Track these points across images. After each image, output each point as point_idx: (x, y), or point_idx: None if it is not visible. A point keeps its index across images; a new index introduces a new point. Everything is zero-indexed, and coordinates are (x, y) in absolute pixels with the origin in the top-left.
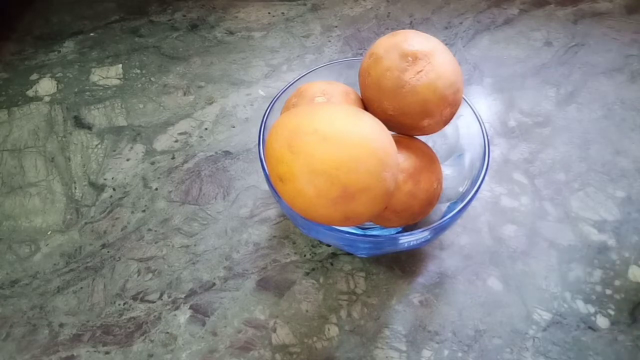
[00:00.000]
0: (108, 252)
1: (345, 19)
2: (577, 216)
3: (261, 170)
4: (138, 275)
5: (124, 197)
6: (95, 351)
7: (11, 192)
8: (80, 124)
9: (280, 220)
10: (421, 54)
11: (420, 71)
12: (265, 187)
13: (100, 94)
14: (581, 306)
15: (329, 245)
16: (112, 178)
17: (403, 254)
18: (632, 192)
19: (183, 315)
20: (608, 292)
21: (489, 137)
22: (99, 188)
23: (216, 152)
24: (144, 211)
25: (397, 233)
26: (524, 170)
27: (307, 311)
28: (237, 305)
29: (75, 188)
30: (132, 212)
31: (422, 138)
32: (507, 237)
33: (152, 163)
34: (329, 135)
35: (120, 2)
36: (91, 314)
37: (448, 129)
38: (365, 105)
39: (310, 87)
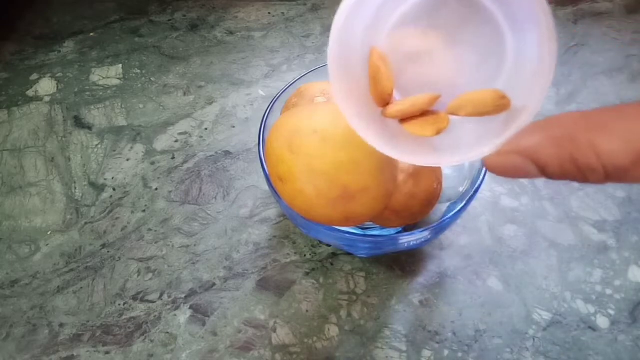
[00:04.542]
0: (108, 252)
1: None
2: (577, 216)
3: (261, 170)
4: (138, 275)
5: (124, 197)
6: (95, 351)
7: (11, 192)
8: (80, 124)
9: (280, 220)
10: None
11: None
12: (265, 187)
13: (100, 94)
14: (581, 306)
15: (329, 245)
16: (112, 178)
17: (403, 254)
18: (632, 192)
19: (183, 315)
20: (608, 292)
21: None
22: (99, 188)
23: (216, 152)
24: (144, 211)
25: (397, 233)
26: None
27: (307, 311)
28: (237, 305)
29: (75, 188)
30: (132, 212)
31: None
32: (507, 237)
33: (152, 163)
34: (329, 136)
35: (120, 2)
36: (91, 314)
37: None
38: None
39: (310, 87)
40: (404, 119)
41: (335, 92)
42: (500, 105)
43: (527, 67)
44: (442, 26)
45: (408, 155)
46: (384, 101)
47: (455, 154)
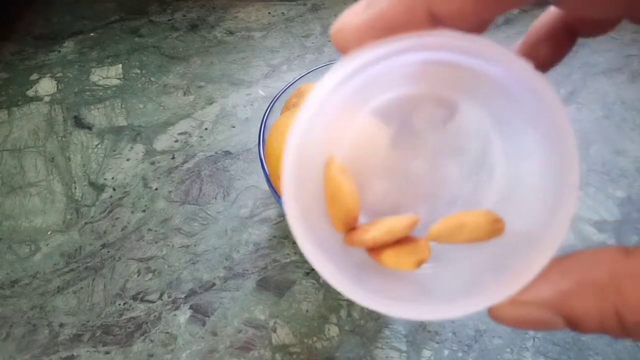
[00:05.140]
0: (108, 252)
1: None
2: (577, 216)
3: (261, 170)
4: (138, 275)
5: (124, 197)
6: (95, 351)
7: (11, 192)
8: (80, 124)
9: (280, 220)
10: None
11: None
12: (265, 187)
13: (100, 94)
14: None
15: None
16: (112, 178)
17: None
18: (632, 192)
19: (183, 315)
20: None
21: None
22: (99, 188)
23: (216, 152)
24: (144, 211)
25: None
26: None
27: (307, 311)
28: (237, 305)
29: (75, 188)
30: (132, 212)
31: None
32: None
33: (152, 163)
34: None
35: (120, 2)
36: (91, 314)
37: None
38: None
39: (310, 87)
40: (373, 248)
41: (290, 213)
42: (493, 231)
43: (526, 180)
44: (415, 130)
45: (386, 300)
46: (347, 225)
47: (449, 300)
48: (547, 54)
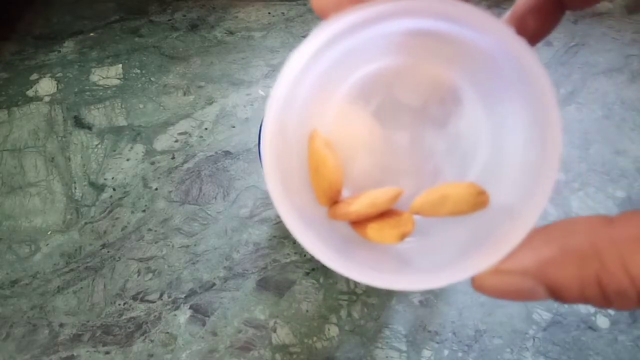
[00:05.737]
0: (108, 252)
1: None
2: (577, 216)
3: (261, 170)
4: (138, 275)
5: (124, 197)
6: (95, 351)
7: (11, 192)
8: (80, 124)
9: (280, 220)
10: None
11: None
12: (265, 187)
13: (100, 94)
14: (581, 306)
15: None
16: (112, 178)
17: None
18: (632, 192)
19: (183, 315)
20: None
21: None
22: (99, 188)
23: (216, 152)
24: (144, 211)
25: None
26: None
27: (307, 311)
28: (237, 305)
29: (75, 188)
30: (132, 212)
31: None
32: None
33: (152, 163)
34: None
35: (120, 2)
36: (91, 314)
37: None
38: None
39: None
40: (357, 221)
41: (272, 188)
42: (477, 203)
43: (509, 152)
44: (398, 103)
45: (370, 273)
46: (330, 199)
47: (434, 271)
48: (535, 26)
